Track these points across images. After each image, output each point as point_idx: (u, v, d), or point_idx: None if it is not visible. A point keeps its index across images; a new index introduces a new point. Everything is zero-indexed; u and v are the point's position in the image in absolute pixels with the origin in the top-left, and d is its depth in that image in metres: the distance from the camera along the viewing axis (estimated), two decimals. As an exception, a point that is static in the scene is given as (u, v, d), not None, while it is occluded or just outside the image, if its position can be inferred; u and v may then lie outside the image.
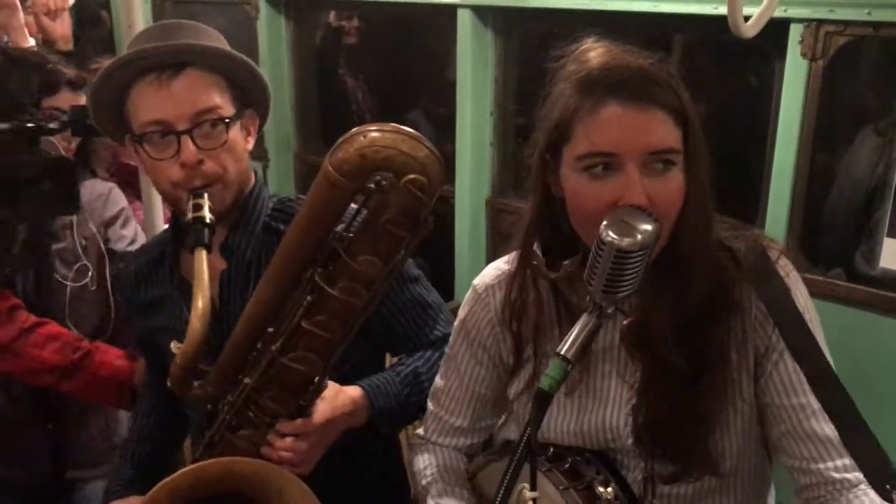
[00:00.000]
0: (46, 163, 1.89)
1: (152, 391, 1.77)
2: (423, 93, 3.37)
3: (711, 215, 1.22)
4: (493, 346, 1.39)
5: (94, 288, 2.07)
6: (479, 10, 2.78)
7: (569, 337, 1.10)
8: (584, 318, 1.12)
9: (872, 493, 1.11)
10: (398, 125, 1.15)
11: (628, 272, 1.09)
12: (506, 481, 1.07)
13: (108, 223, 2.11)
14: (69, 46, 3.03)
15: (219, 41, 1.52)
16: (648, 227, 1.09)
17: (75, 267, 2.05)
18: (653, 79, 1.15)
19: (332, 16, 3.63)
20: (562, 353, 1.08)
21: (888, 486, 1.01)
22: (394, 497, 1.77)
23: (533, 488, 1.08)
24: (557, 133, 1.20)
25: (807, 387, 1.16)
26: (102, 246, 2.09)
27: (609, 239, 1.07)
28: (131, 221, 2.17)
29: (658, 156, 1.14)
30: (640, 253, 1.08)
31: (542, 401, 1.07)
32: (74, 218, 2.04)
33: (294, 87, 3.62)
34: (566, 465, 1.28)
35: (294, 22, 3.54)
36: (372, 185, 1.15)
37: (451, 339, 1.45)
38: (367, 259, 1.20)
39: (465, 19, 2.78)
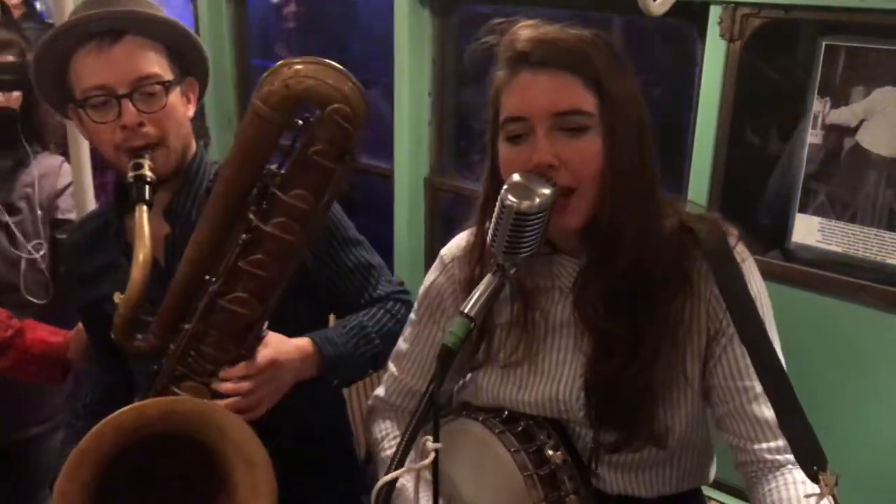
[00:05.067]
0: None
1: (96, 365, 1.79)
2: (363, 75, 3.40)
3: (646, 186, 1.23)
4: (455, 315, 1.42)
5: (45, 263, 2.09)
6: (416, -9, 2.82)
7: (472, 296, 1.15)
8: (487, 278, 1.17)
9: (797, 473, 1.19)
10: (323, 59, 1.19)
11: (527, 234, 1.15)
12: (407, 434, 1.11)
13: (59, 193, 2.14)
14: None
15: (156, 10, 1.55)
16: (546, 190, 1.15)
17: (33, 243, 2.05)
18: (564, 46, 1.20)
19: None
20: (465, 311, 1.14)
21: (815, 468, 1.07)
22: (342, 458, 1.82)
23: (436, 440, 1.11)
24: (493, 108, 1.26)
25: (752, 371, 1.21)
26: (51, 215, 2.12)
27: (509, 202, 1.13)
28: None
29: (565, 118, 1.19)
30: (538, 215, 1.14)
31: (446, 356, 1.12)
32: (32, 190, 2.06)
33: (235, 66, 3.62)
34: (519, 429, 1.32)
35: (234, 1, 3.54)
36: (299, 122, 1.19)
37: (415, 304, 1.50)
38: (299, 193, 1.23)
39: (401, 1, 2.82)
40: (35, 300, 2.05)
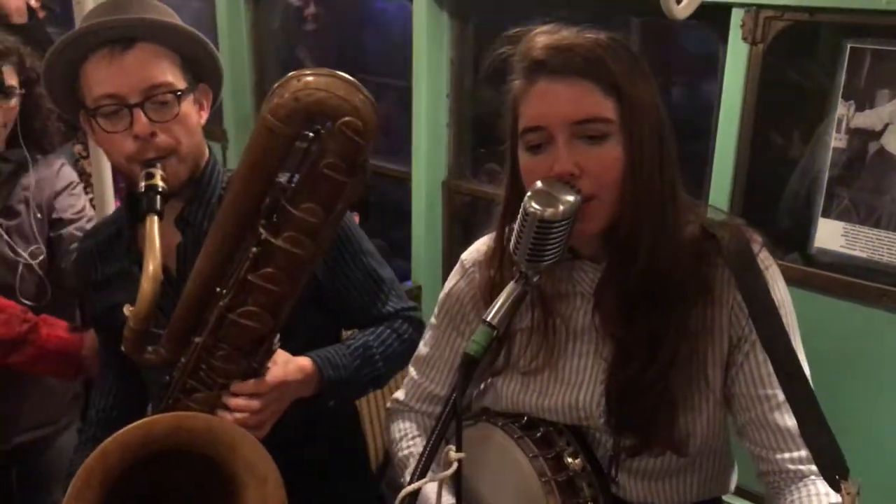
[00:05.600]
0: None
1: (109, 371, 1.78)
2: (382, 75, 3.41)
3: (666, 192, 1.22)
4: (475, 320, 1.40)
5: (41, 269, 2.08)
6: (434, -6, 2.83)
7: (494, 304, 1.14)
8: (510, 286, 1.16)
9: (820, 484, 1.17)
10: (334, 70, 1.17)
11: (551, 241, 1.13)
12: (430, 443, 1.10)
13: (57, 194, 2.12)
14: (23, 19, 3.03)
15: (170, 16, 1.54)
16: (570, 198, 1.13)
17: (30, 249, 2.05)
18: (580, 53, 1.18)
19: (291, -3, 3.66)
20: (487, 319, 1.13)
21: (837, 477, 1.05)
22: (354, 470, 1.80)
23: (458, 449, 1.10)
24: (512, 117, 1.24)
25: (774, 379, 1.19)
26: (49, 216, 2.10)
27: (532, 210, 1.12)
28: (81, 195, 2.18)
29: (585, 125, 1.17)
30: (562, 223, 1.12)
31: (468, 365, 1.11)
32: (29, 194, 2.05)
33: (254, 69, 3.64)
34: (538, 434, 1.31)
35: (253, 2, 3.56)
36: (310, 134, 1.18)
37: (436, 309, 1.48)
38: (310, 207, 1.22)
39: (420, 3, 2.83)
40: (31, 303, 2.05)
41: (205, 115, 1.58)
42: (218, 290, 1.33)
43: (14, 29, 2.44)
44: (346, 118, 1.14)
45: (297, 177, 1.23)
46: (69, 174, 2.18)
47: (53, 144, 2.15)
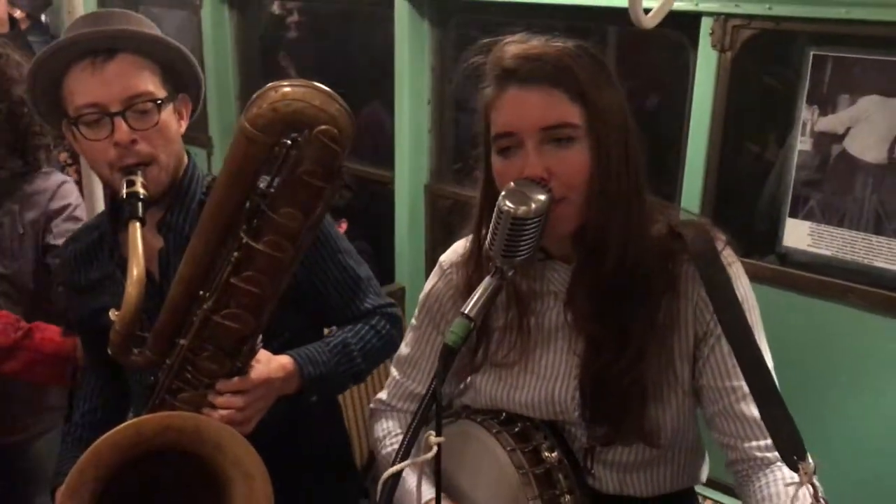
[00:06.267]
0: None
1: (92, 374, 1.81)
2: (364, 84, 3.46)
3: (632, 193, 1.26)
4: (454, 319, 1.46)
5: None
6: (415, 2, 2.88)
7: (472, 297, 1.19)
8: (486, 280, 1.21)
9: (785, 470, 1.22)
10: (311, 81, 1.21)
11: (525, 238, 1.18)
12: (411, 428, 1.14)
13: (51, 216, 2.09)
14: (4, 29, 3.06)
15: (150, 27, 1.58)
16: (542, 196, 1.19)
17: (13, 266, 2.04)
18: (549, 61, 1.23)
19: (275, 5, 3.69)
20: (465, 311, 1.17)
21: (795, 458, 1.09)
22: (338, 466, 1.84)
23: (438, 434, 1.13)
24: (485, 123, 1.30)
25: (739, 371, 1.23)
26: (41, 237, 2.07)
27: (506, 208, 1.17)
28: (78, 223, 2.10)
29: (553, 131, 1.22)
30: (534, 220, 1.18)
31: (447, 355, 1.15)
32: (16, 207, 2.04)
33: (238, 76, 3.68)
34: (516, 429, 1.35)
35: (237, 11, 3.60)
36: (288, 142, 1.22)
37: (416, 310, 1.52)
38: (289, 212, 1.26)
39: (402, 11, 2.88)
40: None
41: (184, 125, 1.62)
42: (201, 293, 1.36)
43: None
44: (323, 126, 1.19)
45: (276, 182, 1.27)
46: (67, 194, 2.13)
47: (38, 159, 2.11)
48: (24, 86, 1.98)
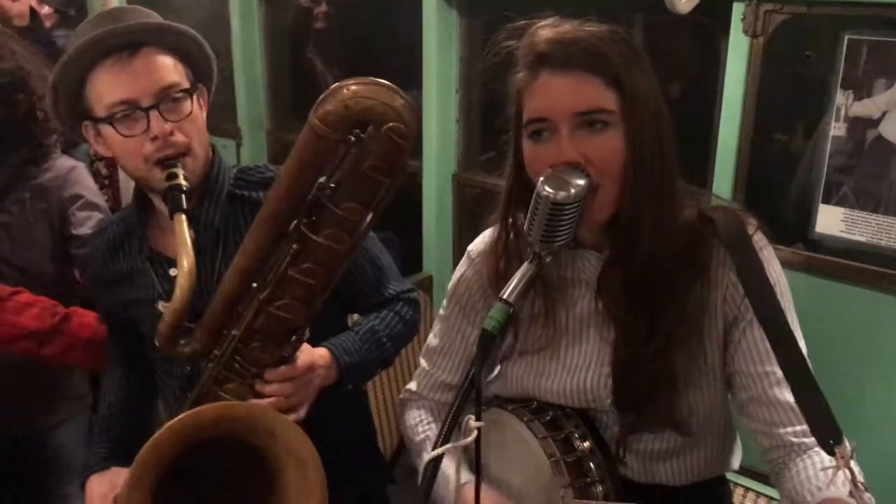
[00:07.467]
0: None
1: (118, 366, 1.83)
2: (392, 74, 3.46)
3: (666, 178, 1.26)
4: (483, 309, 1.45)
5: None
6: (443, -8, 2.88)
7: (510, 283, 1.20)
8: (524, 266, 1.22)
9: (823, 455, 1.19)
10: (375, 78, 1.24)
11: (563, 223, 1.20)
12: (451, 414, 1.16)
13: (66, 204, 2.09)
14: (24, 22, 3.09)
15: (158, 20, 1.58)
16: (581, 181, 1.20)
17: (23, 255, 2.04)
18: (582, 46, 1.23)
19: (302, -3, 3.71)
20: (504, 297, 1.18)
21: (832, 442, 1.08)
22: (367, 455, 1.89)
23: (478, 419, 1.14)
24: (516, 108, 1.30)
25: (772, 356, 1.22)
26: (57, 227, 2.07)
27: (545, 193, 1.18)
28: (95, 209, 2.12)
29: (587, 116, 1.22)
30: (573, 205, 1.19)
31: (486, 340, 1.16)
32: (27, 195, 2.04)
33: (266, 68, 3.70)
34: (547, 418, 1.36)
35: (265, 2, 3.62)
36: (352, 138, 1.24)
37: (444, 301, 1.54)
38: (350, 206, 1.29)
39: (430, 1, 2.88)
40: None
41: (203, 115, 1.63)
42: (254, 284, 1.38)
43: (16, 32, 2.45)
44: (392, 123, 1.22)
45: (338, 177, 1.29)
46: (78, 180, 2.12)
47: (46, 145, 2.08)
48: (16, 70, 1.98)
